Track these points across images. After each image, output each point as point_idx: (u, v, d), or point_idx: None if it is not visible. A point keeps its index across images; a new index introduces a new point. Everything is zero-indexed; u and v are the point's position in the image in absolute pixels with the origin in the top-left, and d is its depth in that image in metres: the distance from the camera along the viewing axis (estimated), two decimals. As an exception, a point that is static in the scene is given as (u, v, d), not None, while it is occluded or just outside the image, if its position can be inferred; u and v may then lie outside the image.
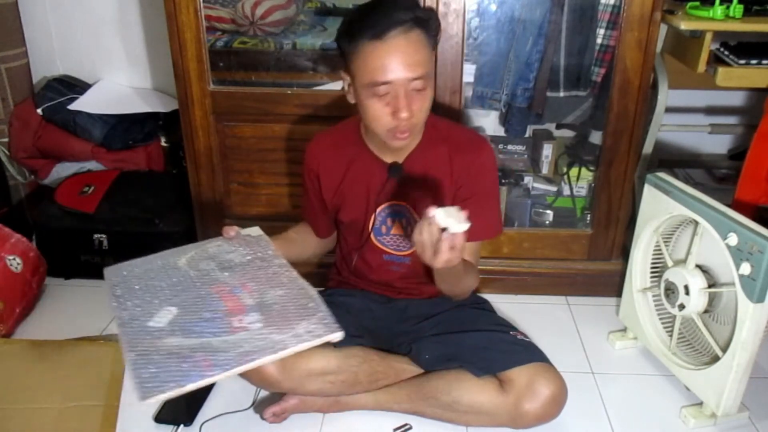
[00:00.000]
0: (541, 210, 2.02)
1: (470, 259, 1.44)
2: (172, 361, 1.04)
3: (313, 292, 1.20)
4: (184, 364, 1.04)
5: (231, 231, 1.39)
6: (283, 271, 1.28)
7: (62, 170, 2.25)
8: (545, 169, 2.10)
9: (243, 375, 1.39)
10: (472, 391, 1.37)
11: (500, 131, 2.04)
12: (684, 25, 1.70)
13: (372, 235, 1.48)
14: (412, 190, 1.43)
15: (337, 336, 1.10)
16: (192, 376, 1.01)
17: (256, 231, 1.42)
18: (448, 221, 1.07)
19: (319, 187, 1.49)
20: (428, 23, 1.25)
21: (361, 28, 1.22)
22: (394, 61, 1.21)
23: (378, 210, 1.46)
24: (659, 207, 1.55)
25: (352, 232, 1.52)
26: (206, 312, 1.16)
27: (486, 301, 1.62)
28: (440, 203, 1.42)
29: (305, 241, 1.58)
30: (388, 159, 1.42)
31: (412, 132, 1.30)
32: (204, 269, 1.29)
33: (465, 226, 1.08)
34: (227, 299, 1.20)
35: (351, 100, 1.33)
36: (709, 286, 1.44)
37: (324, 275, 1.68)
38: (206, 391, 1.54)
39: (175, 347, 1.08)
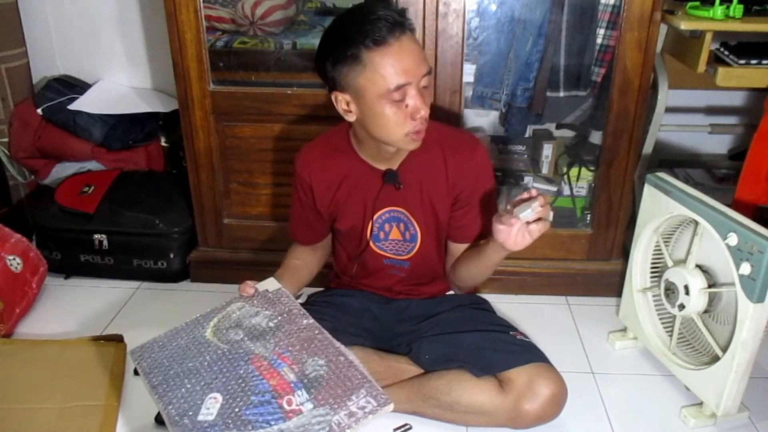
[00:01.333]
0: (541, 210, 2.01)
1: None
2: None
3: (351, 357, 1.20)
4: None
5: (249, 289, 1.36)
6: (315, 334, 1.26)
7: (62, 170, 2.25)
8: (545, 169, 2.10)
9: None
10: (472, 391, 1.37)
11: (500, 131, 2.04)
12: (684, 25, 1.70)
13: (371, 242, 1.48)
14: (408, 195, 1.42)
15: (389, 408, 1.10)
16: None
17: (272, 284, 1.40)
18: (527, 214, 1.21)
19: (312, 199, 1.48)
20: (407, 18, 1.24)
21: (353, 41, 1.19)
22: (407, 60, 1.20)
23: (375, 217, 1.45)
24: (659, 207, 1.55)
25: (350, 240, 1.51)
26: (253, 395, 1.14)
27: (486, 301, 1.62)
28: (436, 206, 1.43)
29: (309, 263, 1.57)
30: (382, 167, 1.41)
31: (424, 130, 1.29)
32: (234, 340, 1.26)
33: (537, 210, 1.22)
34: (269, 376, 1.17)
35: (351, 118, 1.30)
36: (709, 286, 1.44)
37: (325, 275, 1.68)
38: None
39: None
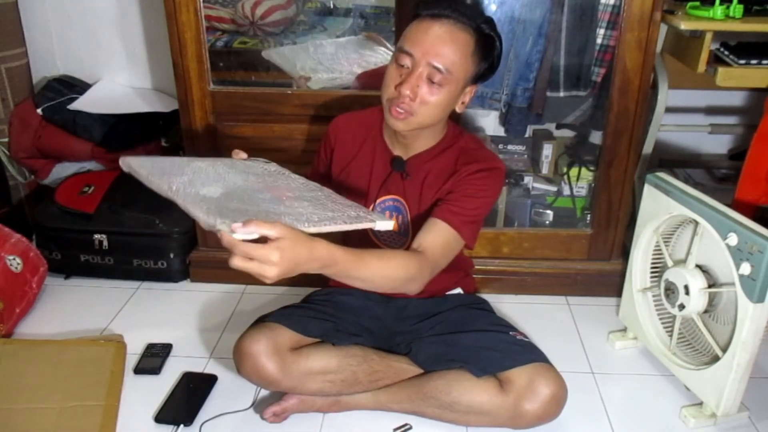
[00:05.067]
0: (541, 210, 2.02)
1: (431, 242, 1.31)
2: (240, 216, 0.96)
3: (346, 199, 1.17)
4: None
5: (242, 155, 1.32)
6: (311, 184, 1.22)
7: (62, 170, 2.25)
8: (545, 169, 2.10)
9: (242, 373, 1.39)
10: (472, 391, 1.37)
11: (500, 131, 2.04)
12: (684, 25, 1.70)
13: None
14: (411, 189, 1.43)
15: (391, 225, 1.06)
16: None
17: (265, 160, 1.37)
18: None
19: (329, 160, 1.51)
20: (485, 39, 1.28)
21: (429, 3, 1.27)
22: (427, 39, 1.24)
23: (378, 201, 1.46)
24: (659, 207, 1.55)
25: None
26: (253, 195, 1.09)
27: (485, 301, 1.62)
28: (428, 202, 1.42)
29: None
30: (396, 152, 1.42)
31: (410, 119, 1.28)
32: (232, 172, 1.21)
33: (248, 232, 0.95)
34: (270, 189, 1.13)
35: None
36: (709, 286, 1.44)
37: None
38: (206, 390, 1.54)
39: (238, 211, 1.00)
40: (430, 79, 1.25)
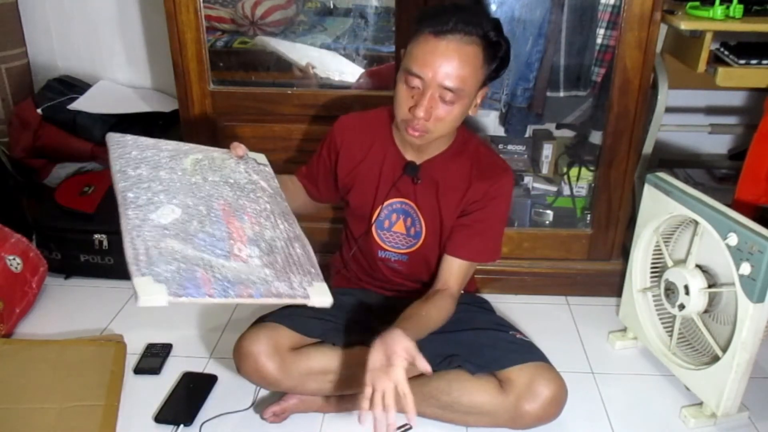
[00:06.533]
0: (541, 210, 2.02)
1: (455, 281, 1.42)
2: (172, 266, 1.03)
3: (309, 249, 1.21)
4: (183, 274, 1.02)
5: (240, 150, 1.38)
6: (285, 215, 1.27)
7: (62, 170, 2.25)
8: (545, 169, 2.10)
9: (242, 373, 1.39)
10: (472, 391, 1.37)
11: (500, 131, 2.04)
12: (684, 25, 1.70)
13: (374, 227, 1.48)
14: (422, 194, 1.43)
15: (328, 302, 1.12)
16: (189, 290, 1.01)
17: (262, 158, 1.41)
18: None
19: (333, 162, 1.49)
20: (494, 47, 1.26)
21: (432, 18, 1.25)
22: (436, 61, 1.22)
23: (386, 203, 1.46)
24: (659, 207, 1.55)
25: (356, 219, 1.52)
26: (209, 227, 1.14)
27: (486, 301, 1.62)
28: (443, 211, 1.43)
29: (297, 190, 1.56)
30: (409, 156, 1.42)
31: (426, 136, 1.30)
32: (210, 179, 1.26)
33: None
34: (230, 221, 1.17)
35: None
36: (709, 286, 1.44)
37: (324, 276, 1.68)
38: (206, 390, 1.54)
39: (177, 253, 1.05)
40: (442, 98, 1.25)
